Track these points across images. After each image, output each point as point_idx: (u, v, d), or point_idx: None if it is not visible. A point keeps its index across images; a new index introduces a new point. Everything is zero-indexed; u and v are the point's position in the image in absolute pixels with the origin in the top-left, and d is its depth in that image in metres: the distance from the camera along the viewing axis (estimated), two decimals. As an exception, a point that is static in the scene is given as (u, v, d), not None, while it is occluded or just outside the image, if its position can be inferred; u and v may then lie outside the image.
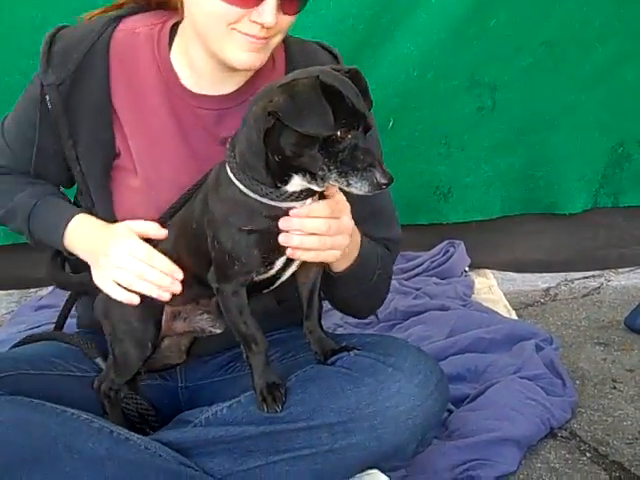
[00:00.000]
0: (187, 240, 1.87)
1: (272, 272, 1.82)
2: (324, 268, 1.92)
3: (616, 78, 3.67)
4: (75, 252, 1.98)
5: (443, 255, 3.60)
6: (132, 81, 1.99)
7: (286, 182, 1.72)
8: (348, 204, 1.83)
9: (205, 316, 1.97)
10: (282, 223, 1.75)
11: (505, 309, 3.24)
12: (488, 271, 3.69)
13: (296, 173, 1.70)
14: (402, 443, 1.82)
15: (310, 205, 1.76)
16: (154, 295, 1.85)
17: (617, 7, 3.57)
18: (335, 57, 2.07)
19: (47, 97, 1.97)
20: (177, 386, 2.15)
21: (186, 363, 2.09)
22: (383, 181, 1.63)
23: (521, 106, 3.64)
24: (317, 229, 1.77)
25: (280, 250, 1.78)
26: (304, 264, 1.86)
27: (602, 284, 3.70)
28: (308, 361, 1.93)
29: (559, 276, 3.76)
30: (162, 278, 1.84)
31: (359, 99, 1.67)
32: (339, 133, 1.62)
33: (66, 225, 1.96)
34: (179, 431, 1.90)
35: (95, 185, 2.02)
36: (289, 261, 1.82)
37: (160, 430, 1.96)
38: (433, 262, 3.56)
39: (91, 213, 2.01)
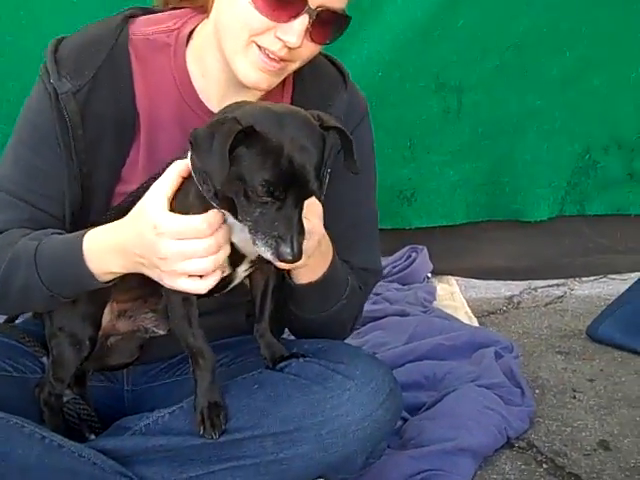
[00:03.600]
0: None
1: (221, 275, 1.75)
2: (284, 274, 1.86)
3: (583, 83, 3.62)
4: (107, 270, 1.75)
5: (405, 260, 3.55)
6: (149, 90, 1.90)
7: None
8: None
9: (150, 315, 1.92)
10: None
11: (466, 316, 3.21)
12: (451, 278, 3.67)
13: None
14: (351, 454, 1.77)
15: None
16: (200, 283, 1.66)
17: (585, 12, 3.52)
18: (342, 74, 2.01)
19: (64, 107, 1.83)
20: (122, 389, 2.08)
21: (134, 366, 2.04)
22: (287, 257, 1.55)
23: (487, 109, 3.60)
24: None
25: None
26: (258, 267, 1.81)
27: (566, 293, 3.71)
28: (257, 366, 1.87)
29: (523, 284, 3.77)
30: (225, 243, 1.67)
31: (308, 164, 1.56)
32: (259, 189, 1.54)
33: (81, 245, 1.75)
34: (118, 438, 1.84)
35: (100, 200, 1.91)
36: (238, 264, 1.75)
37: (99, 436, 1.90)
38: (395, 267, 3.51)
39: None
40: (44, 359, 1.97)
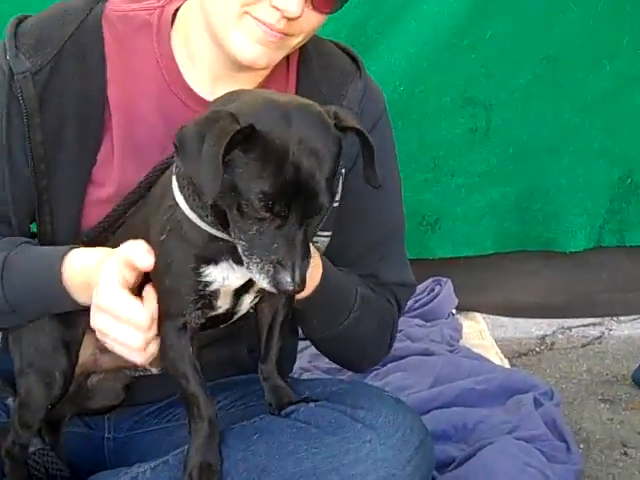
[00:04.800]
0: None
1: (221, 310, 1.55)
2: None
3: (625, 100, 3.40)
4: (85, 302, 1.58)
5: (428, 294, 3.32)
6: (127, 76, 1.71)
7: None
8: None
9: None
10: None
11: (498, 357, 3.01)
12: (477, 314, 3.45)
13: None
14: None
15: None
16: (128, 358, 1.52)
17: (627, 22, 3.30)
18: (355, 61, 1.82)
19: (20, 90, 1.64)
20: (103, 436, 1.87)
21: (120, 407, 1.83)
22: (287, 288, 1.36)
23: (518, 128, 3.39)
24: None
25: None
26: (265, 297, 1.61)
27: (603, 333, 3.53)
28: (262, 411, 1.67)
29: (555, 323, 3.59)
30: (131, 336, 1.49)
31: (318, 173, 1.34)
32: (256, 203, 1.32)
33: (62, 261, 1.57)
34: None
35: (68, 206, 1.71)
36: (241, 294, 1.55)
37: None
38: (416, 302, 3.28)
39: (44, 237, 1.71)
40: (9, 401, 1.78)
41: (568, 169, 3.47)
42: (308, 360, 2.69)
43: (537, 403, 2.50)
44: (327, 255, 1.80)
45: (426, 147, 3.35)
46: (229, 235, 1.42)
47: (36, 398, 1.65)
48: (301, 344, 2.29)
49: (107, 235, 1.68)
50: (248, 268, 1.38)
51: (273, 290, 1.38)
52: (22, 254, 1.62)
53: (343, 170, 1.74)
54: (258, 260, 1.36)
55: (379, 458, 1.53)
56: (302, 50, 1.74)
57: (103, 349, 1.68)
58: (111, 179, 1.68)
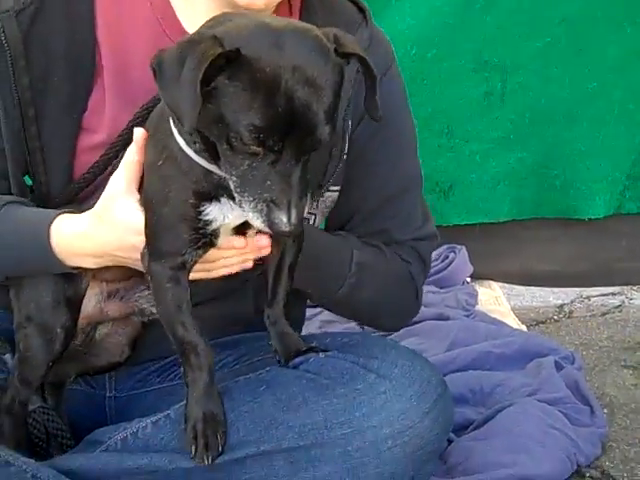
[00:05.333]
0: None
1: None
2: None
3: None
4: (78, 266, 1.56)
5: (442, 261, 3.22)
6: (119, 19, 1.67)
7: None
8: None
9: (146, 292, 1.66)
10: None
11: (515, 322, 2.90)
12: (493, 283, 3.34)
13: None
14: (386, 479, 1.49)
15: None
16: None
17: None
18: (362, 10, 1.76)
19: (2, 29, 1.60)
20: (104, 396, 1.83)
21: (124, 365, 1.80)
22: (282, 229, 1.29)
23: (535, 92, 3.28)
24: None
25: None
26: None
27: (623, 302, 3.43)
28: (266, 365, 1.62)
29: (573, 292, 3.48)
30: None
31: (315, 104, 1.25)
32: (245, 136, 1.24)
33: (48, 238, 1.54)
34: (86, 456, 1.58)
35: (55, 151, 1.66)
36: (240, 233, 1.48)
37: (66, 454, 1.64)
38: (430, 269, 3.13)
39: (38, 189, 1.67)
40: (7, 357, 1.74)
41: (587, 134, 3.36)
42: (318, 326, 2.62)
43: (558, 366, 2.41)
44: (338, 212, 1.75)
45: (439, 112, 3.26)
46: (219, 168, 1.35)
47: (36, 354, 1.61)
48: (311, 311, 2.23)
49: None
50: (241, 206, 1.31)
51: (267, 230, 1.31)
52: (7, 216, 1.58)
53: (350, 122, 1.68)
54: (251, 198, 1.29)
55: (395, 410, 1.47)
56: None
57: (109, 297, 1.66)
58: (103, 126, 1.64)
